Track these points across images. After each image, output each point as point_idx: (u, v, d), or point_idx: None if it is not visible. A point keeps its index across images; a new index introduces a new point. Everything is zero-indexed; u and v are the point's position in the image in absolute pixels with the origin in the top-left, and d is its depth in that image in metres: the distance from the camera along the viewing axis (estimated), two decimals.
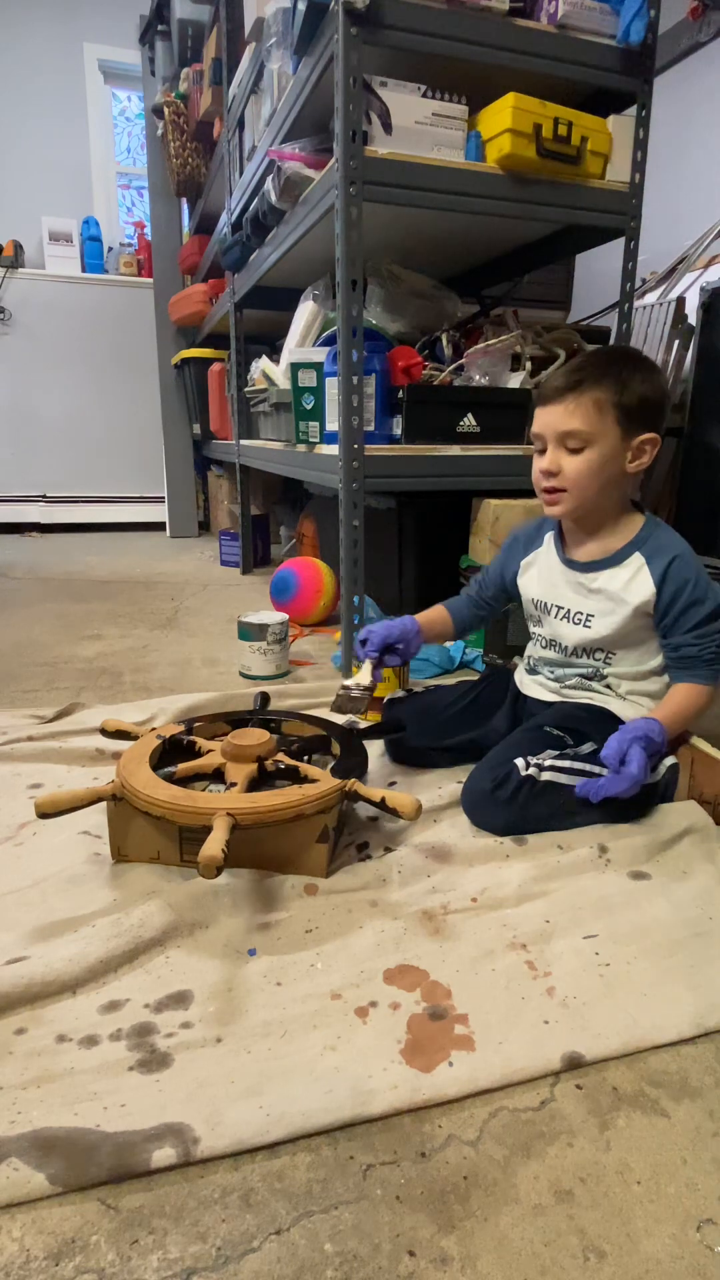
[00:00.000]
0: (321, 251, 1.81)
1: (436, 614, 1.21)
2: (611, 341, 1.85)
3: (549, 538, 1.12)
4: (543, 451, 1.02)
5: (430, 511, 1.82)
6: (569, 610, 1.08)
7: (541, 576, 1.12)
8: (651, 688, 1.06)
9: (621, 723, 1.04)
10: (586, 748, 1.02)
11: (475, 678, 1.25)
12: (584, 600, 1.06)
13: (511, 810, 0.95)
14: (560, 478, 1.00)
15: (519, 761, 0.97)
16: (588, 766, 0.98)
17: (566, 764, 0.98)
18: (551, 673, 1.12)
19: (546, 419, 1.00)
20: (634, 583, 1.01)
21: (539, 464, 1.02)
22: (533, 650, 1.17)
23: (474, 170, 1.49)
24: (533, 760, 0.97)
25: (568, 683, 1.10)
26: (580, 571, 1.06)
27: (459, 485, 1.63)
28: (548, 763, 0.97)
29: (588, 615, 1.05)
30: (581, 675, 1.09)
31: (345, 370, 1.45)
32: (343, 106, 1.34)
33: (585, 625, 1.05)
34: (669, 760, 1.02)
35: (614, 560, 1.03)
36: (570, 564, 1.08)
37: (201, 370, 3.20)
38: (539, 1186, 0.53)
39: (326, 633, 1.96)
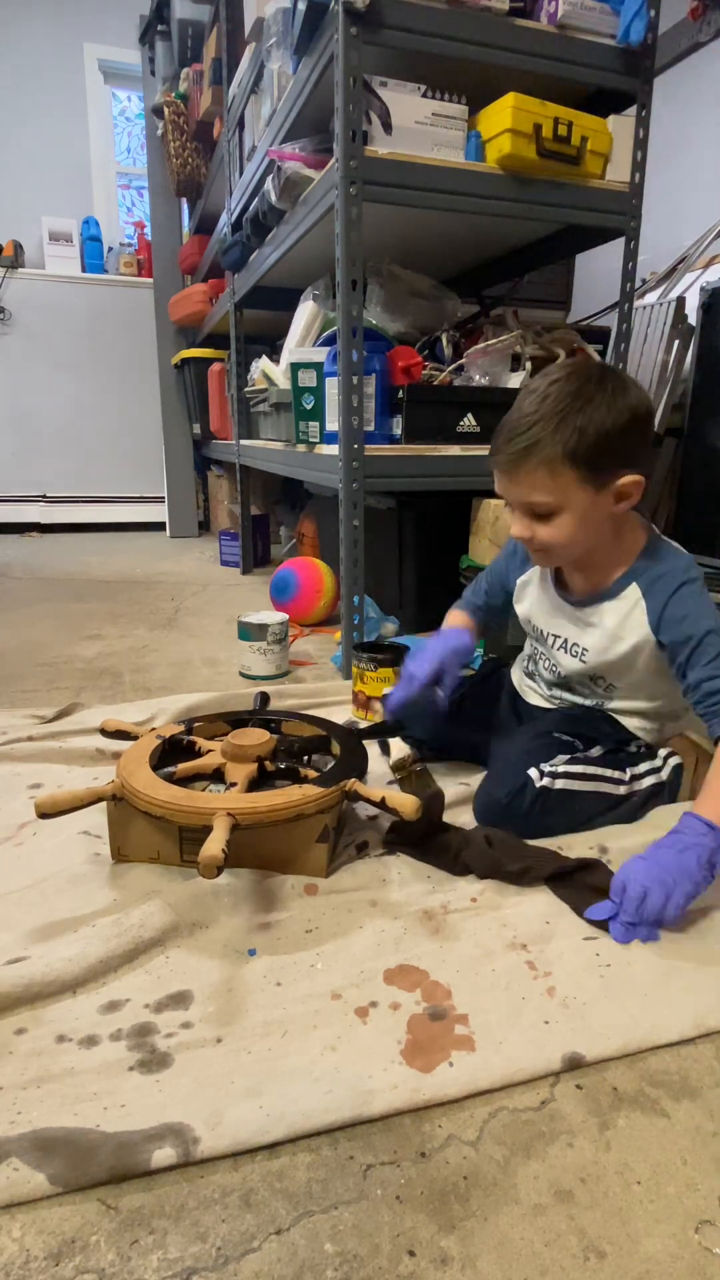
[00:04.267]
0: (321, 251, 1.81)
1: (464, 618, 1.15)
2: (611, 342, 1.85)
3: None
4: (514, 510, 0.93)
5: (430, 511, 1.82)
6: (565, 640, 1.02)
7: (536, 602, 1.06)
8: (662, 729, 1.03)
9: (624, 729, 1.04)
10: (595, 751, 1.01)
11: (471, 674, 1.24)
12: (581, 634, 1.00)
13: (529, 822, 0.94)
14: (537, 542, 0.91)
15: (533, 772, 0.94)
16: (600, 770, 0.97)
17: (580, 769, 0.96)
18: (550, 690, 1.10)
19: (504, 489, 0.91)
20: (630, 620, 0.94)
21: (513, 529, 0.93)
22: (531, 655, 1.15)
23: (474, 170, 1.49)
24: (546, 769, 0.95)
25: (564, 697, 1.08)
26: (575, 606, 1.00)
27: (459, 485, 1.63)
28: (561, 769, 0.95)
29: (583, 649, 0.99)
30: (581, 705, 1.05)
31: (345, 370, 1.45)
32: (343, 106, 1.34)
33: (581, 659, 1.00)
34: (674, 760, 1.02)
35: (610, 593, 0.96)
36: (565, 598, 1.02)
37: (201, 370, 3.20)
38: (539, 1186, 0.53)
39: (326, 633, 1.96)
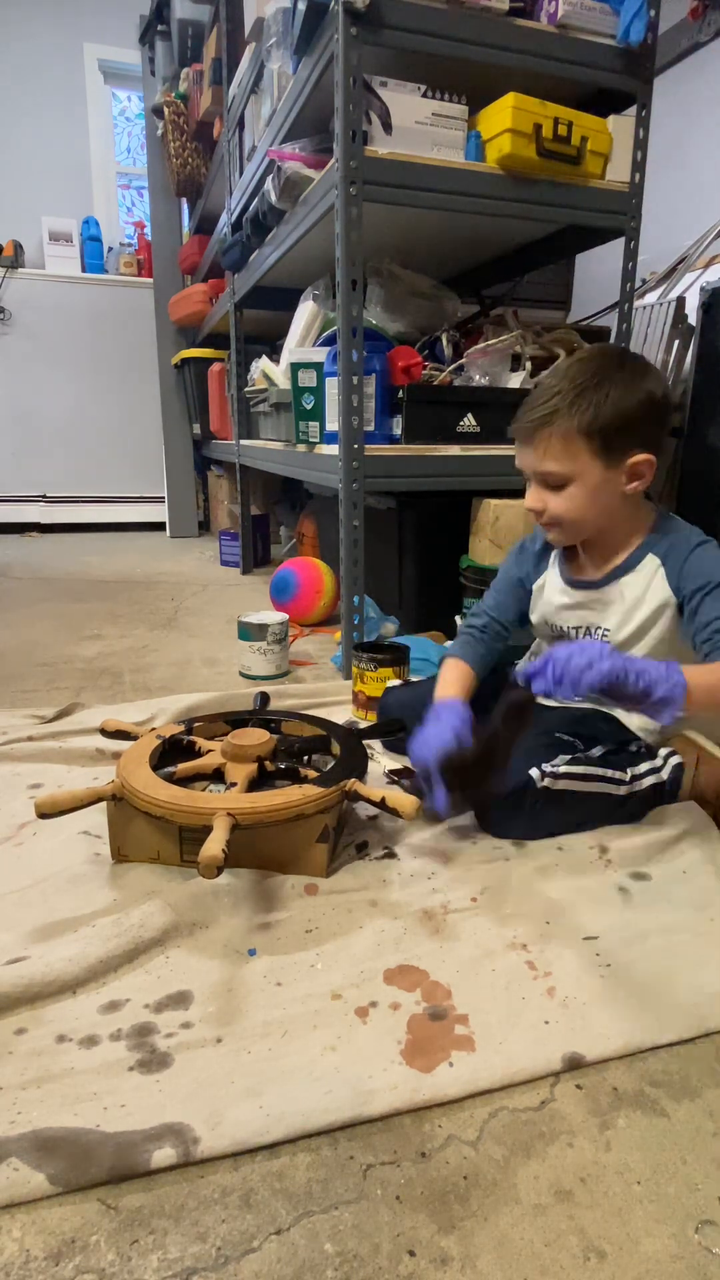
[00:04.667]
0: (321, 251, 1.81)
1: (459, 676, 1.07)
2: (612, 341, 1.85)
3: (554, 558, 1.06)
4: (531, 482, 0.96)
5: (430, 511, 1.82)
6: (586, 629, 1.02)
7: (553, 601, 1.06)
8: (663, 727, 1.03)
9: (625, 729, 1.04)
10: (597, 751, 1.01)
11: None
12: (602, 615, 1.00)
13: (530, 822, 0.94)
14: (548, 514, 0.94)
15: (534, 772, 0.94)
16: (601, 770, 0.97)
17: (581, 769, 0.96)
18: None
19: (521, 458, 0.94)
20: (651, 587, 0.96)
21: (526, 500, 0.97)
22: (536, 653, 1.15)
23: (474, 170, 1.49)
24: (547, 768, 0.95)
25: (566, 704, 1.06)
26: (592, 590, 1.01)
27: (459, 485, 1.63)
28: (562, 769, 0.95)
29: (605, 629, 1.00)
30: (583, 705, 1.03)
31: (345, 370, 1.45)
32: (343, 106, 1.34)
33: (603, 639, 0.99)
34: (674, 759, 1.02)
35: (627, 567, 0.98)
36: (578, 584, 1.02)
37: (201, 370, 3.20)
38: (539, 1186, 0.53)
39: (326, 633, 1.96)
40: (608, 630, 1.00)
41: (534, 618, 1.10)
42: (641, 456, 0.89)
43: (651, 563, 0.96)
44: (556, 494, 0.92)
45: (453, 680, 1.06)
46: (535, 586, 1.09)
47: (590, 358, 0.90)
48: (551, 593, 1.07)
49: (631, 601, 0.98)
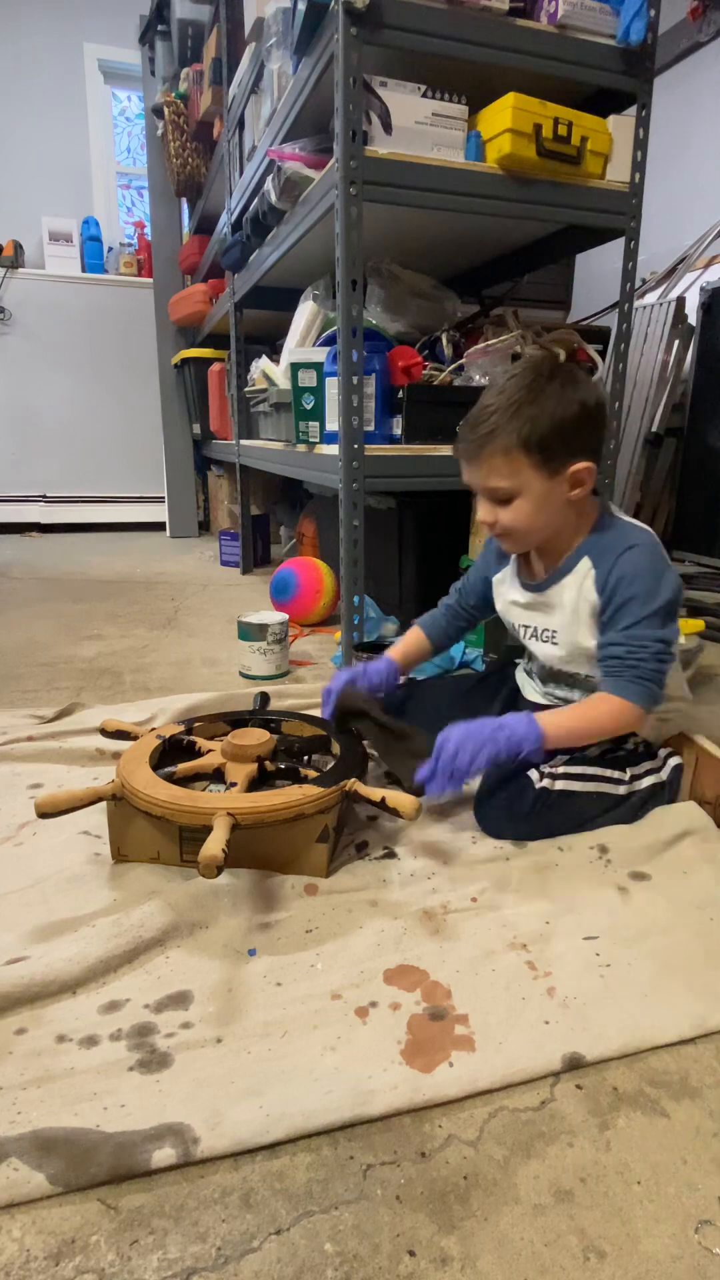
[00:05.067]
0: (321, 251, 1.81)
1: (412, 639, 1.18)
2: (611, 341, 1.85)
3: (512, 558, 1.09)
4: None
5: (430, 511, 1.82)
6: (537, 629, 1.05)
7: (509, 597, 1.09)
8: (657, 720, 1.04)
9: None
10: (594, 750, 1.01)
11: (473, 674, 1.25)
12: (549, 617, 1.03)
13: (530, 823, 0.94)
14: (499, 526, 0.96)
15: (533, 773, 0.95)
16: (600, 770, 0.98)
17: (579, 769, 0.97)
18: (544, 685, 1.11)
19: (467, 476, 0.97)
20: (583, 590, 0.97)
21: (478, 514, 0.99)
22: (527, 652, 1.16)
23: (474, 170, 1.48)
24: (545, 770, 0.96)
25: (557, 694, 1.09)
26: (538, 592, 1.03)
27: (459, 485, 1.61)
28: (560, 771, 0.96)
29: (553, 631, 1.02)
30: (569, 690, 1.07)
31: (345, 370, 1.45)
32: (343, 106, 1.34)
33: (553, 643, 1.02)
34: (674, 760, 1.02)
35: (564, 570, 0.99)
36: (527, 586, 1.05)
37: (201, 370, 3.20)
38: (539, 1186, 0.53)
39: (326, 633, 1.96)
40: (555, 632, 1.02)
41: (498, 608, 1.13)
42: (581, 464, 0.92)
43: (585, 565, 0.97)
44: (505, 507, 0.95)
45: (401, 643, 1.19)
46: (495, 580, 1.13)
47: (522, 373, 0.91)
48: (508, 590, 1.10)
49: (568, 608, 0.99)
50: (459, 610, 1.19)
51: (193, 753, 1.00)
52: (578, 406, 0.89)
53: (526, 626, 1.07)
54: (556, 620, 1.01)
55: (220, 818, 0.80)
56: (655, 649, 0.90)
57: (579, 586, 0.97)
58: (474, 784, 1.01)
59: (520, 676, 1.18)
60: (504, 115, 1.44)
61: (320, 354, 1.74)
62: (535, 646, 1.07)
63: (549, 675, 1.09)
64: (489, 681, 1.20)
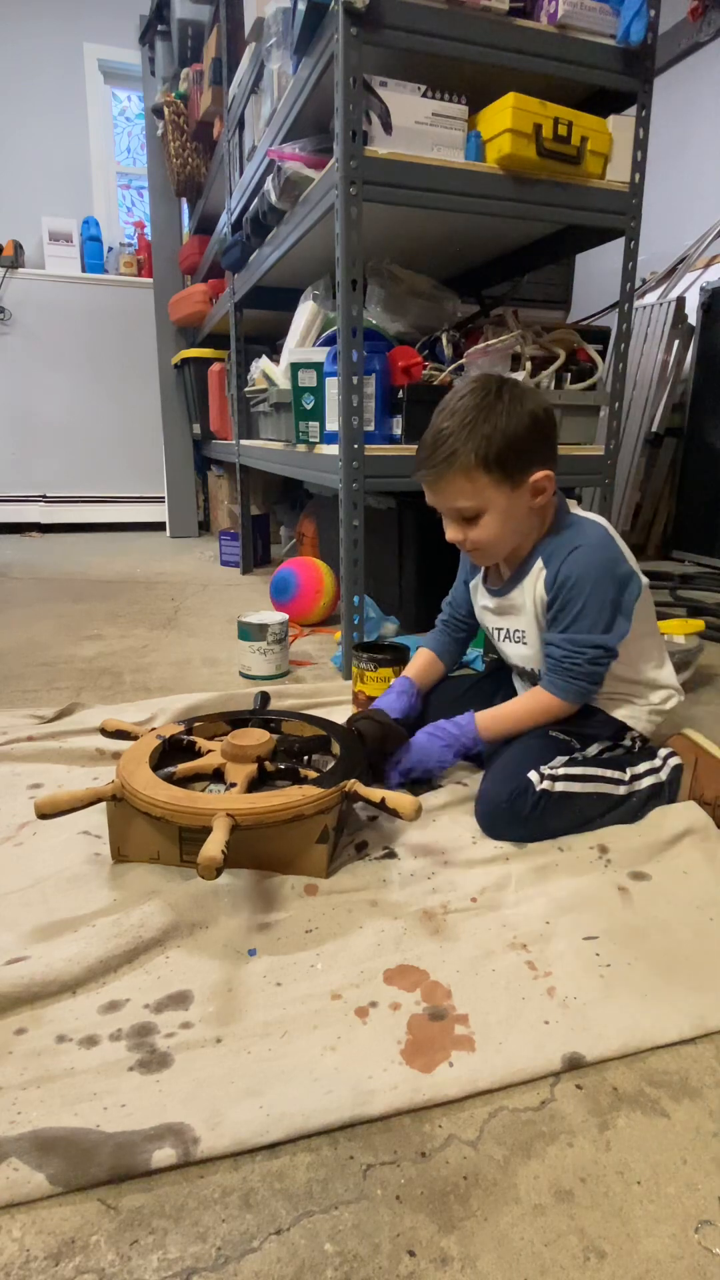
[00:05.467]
0: (321, 251, 1.81)
1: (425, 662, 1.19)
2: (611, 341, 1.85)
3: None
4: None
5: (430, 511, 1.81)
6: (508, 630, 1.08)
7: (479, 602, 1.13)
8: (633, 693, 1.05)
9: (616, 721, 1.04)
10: (593, 749, 1.02)
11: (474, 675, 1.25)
12: (516, 619, 1.06)
13: (531, 825, 0.94)
14: (470, 543, 0.98)
15: (533, 775, 0.95)
16: (599, 771, 0.98)
17: (579, 770, 0.97)
18: (527, 683, 1.12)
19: (432, 499, 0.98)
20: (536, 590, 1.00)
21: (447, 534, 1.00)
22: None
23: (474, 170, 1.49)
24: (546, 771, 0.95)
25: None
26: (501, 596, 1.06)
27: None
28: (561, 771, 0.96)
29: (522, 632, 1.05)
30: None
31: (345, 370, 1.45)
32: (343, 106, 1.34)
33: (523, 643, 1.06)
34: (674, 760, 1.02)
35: (522, 572, 1.02)
36: (492, 590, 1.08)
37: (201, 370, 3.20)
38: (539, 1186, 0.53)
39: (326, 633, 1.96)
40: (523, 632, 1.04)
41: (476, 613, 1.15)
42: (540, 473, 0.94)
43: (538, 565, 1.00)
44: (472, 525, 0.97)
45: (413, 663, 1.20)
46: (471, 585, 1.15)
47: (471, 393, 0.93)
48: (479, 596, 1.13)
49: (530, 605, 1.01)
50: (455, 623, 1.21)
51: (193, 753, 1.00)
52: (529, 419, 0.92)
53: (499, 629, 1.09)
54: (523, 621, 1.05)
55: (220, 819, 0.80)
56: (591, 654, 0.95)
57: (534, 587, 1.00)
58: (474, 785, 1.01)
59: (514, 676, 1.18)
60: (504, 115, 1.44)
61: (320, 354, 1.74)
62: (509, 648, 1.09)
63: (525, 675, 1.11)
64: (487, 681, 1.21)
